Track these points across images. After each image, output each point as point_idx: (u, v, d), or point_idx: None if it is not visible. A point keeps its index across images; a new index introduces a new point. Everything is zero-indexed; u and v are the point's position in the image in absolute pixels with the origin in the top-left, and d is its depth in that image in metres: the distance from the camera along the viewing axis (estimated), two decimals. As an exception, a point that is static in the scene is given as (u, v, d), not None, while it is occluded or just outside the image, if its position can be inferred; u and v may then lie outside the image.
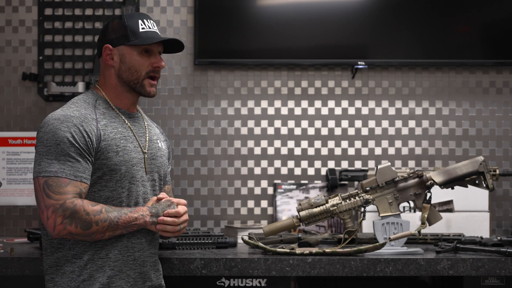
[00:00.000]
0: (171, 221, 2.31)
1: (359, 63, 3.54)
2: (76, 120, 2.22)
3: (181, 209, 2.33)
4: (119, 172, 2.27)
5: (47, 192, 2.16)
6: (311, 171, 3.62)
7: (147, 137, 2.40)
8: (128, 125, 2.35)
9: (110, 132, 2.27)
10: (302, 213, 2.88)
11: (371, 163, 3.62)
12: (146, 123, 2.45)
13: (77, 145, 2.19)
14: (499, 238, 2.93)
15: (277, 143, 3.62)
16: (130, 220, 2.24)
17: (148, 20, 2.38)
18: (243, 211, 3.60)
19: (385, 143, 3.64)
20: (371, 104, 3.64)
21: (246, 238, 2.88)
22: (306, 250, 2.77)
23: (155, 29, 2.40)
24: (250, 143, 3.62)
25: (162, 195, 2.38)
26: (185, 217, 2.35)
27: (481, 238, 2.99)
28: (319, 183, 3.60)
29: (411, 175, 2.89)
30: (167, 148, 2.54)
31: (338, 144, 3.63)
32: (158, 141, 2.46)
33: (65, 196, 2.15)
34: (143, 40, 2.34)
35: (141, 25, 2.35)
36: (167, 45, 2.44)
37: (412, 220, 3.22)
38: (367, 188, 2.87)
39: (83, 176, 2.20)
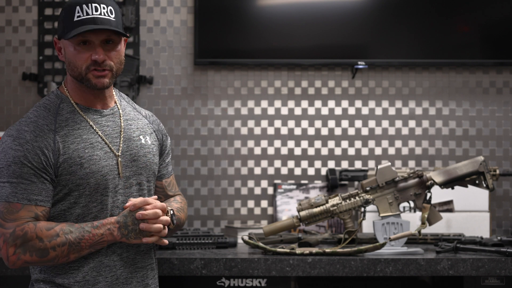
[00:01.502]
0: (152, 214, 2.03)
1: (359, 63, 3.54)
2: (29, 136, 1.98)
3: (156, 207, 2.07)
4: (88, 186, 2.02)
5: None
6: (311, 171, 3.62)
7: (123, 137, 2.13)
8: (97, 129, 2.08)
9: (72, 142, 2.03)
10: (302, 213, 2.88)
11: (371, 163, 3.62)
12: (123, 119, 2.17)
13: (29, 165, 1.96)
14: (499, 238, 2.93)
15: (277, 143, 3.62)
16: (96, 238, 2.00)
17: (90, 5, 2.04)
18: (243, 211, 3.60)
19: (385, 143, 3.64)
20: (371, 104, 3.64)
21: (246, 238, 2.88)
22: (306, 250, 2.77)
23: (98, 14, 2.04)
24: (250, 143, 3.62)
25: (129, 202, 2.08)
26: (165, 217, 2.08)
27: (481, 238, 2.99)
28: (319, 183, 3.60)
29: (411, 175, 2.89)
30: (157, 140, 2.25)
31: (338, 144, 3.63)
32: (141, 136, 2.18)
33: (15, 223, 1.93)
34: (82, 28, 2.03)
35: (78, 12, 2.04)
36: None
37: (412, 220, 3.22)
38: (367, 188, 2.87)
39: (39, 198, 1.97)
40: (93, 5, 2.04)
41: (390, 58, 3.58)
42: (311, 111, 3.63)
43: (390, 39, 3.59)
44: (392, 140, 3.64)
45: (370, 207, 2.94)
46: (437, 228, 3.22)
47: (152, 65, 3.62)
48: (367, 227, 3.29)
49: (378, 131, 3.64)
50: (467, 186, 2.92)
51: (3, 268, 2.65)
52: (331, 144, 3.63)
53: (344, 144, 3.63)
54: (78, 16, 2.04)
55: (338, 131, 3.63)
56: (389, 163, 2.91)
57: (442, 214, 3.20)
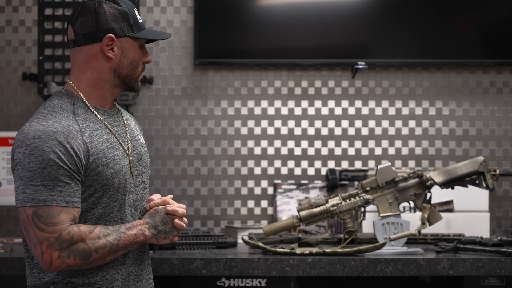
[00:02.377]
0: (181, 212, 2.11)
1: (359, 63, 3.54)
2: (60, 136, 1.94)
3: (178, 208, 2.13)
4: (112, 186, 2.03)
5: (38, 224, 1.90)
6: (311, 171, 3.62)
7: (129, 136, 2.14)
8: (110, 130, 2.08)
9: (97, 143, 2.01)
10: (302, 213, 2.88)
11: (371, 163, 3.63)
12: (124, 118, 2.18)
13: (65, 166, 1.92)
14: (499, 238, 2.93)
15: (277, 143, 3.62)
16: (130, 239, 2.02)
17: (136, 10, 2.13)
18: (243, 211, 3.60)
19: (385, 143, 3.64)
20: (371, 104, 3.64)
21: (246, 238, 2.88)
22: (306, 250, 2.77)
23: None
24: (250, 143, 3.62)
25: (154, 196, 2.18)
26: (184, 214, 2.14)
27: (481, 238, 2.99)
28: (319, 183, 3.60)
29: (411, 175, 2.89)
30: (143, 137, 2.28)
31: (338, 144, 3.63)
32: (139, 136, 2.20)
33: (59, 227, 1.91)
34: (152, 35, 2.10)
35: (137, 14, 2.11)
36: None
37: (412, 220, 3.22)
38: (367, 188, 2.87)
39: (75, 200, 1.95)
40: (136, 9, 2.13)
41: (390, 58, 3.58)
42: (311, 111, 3.63)
43: (390, 39, 3.59)
44: (392, 140, 3.64)
45: (370, 207, 2.94)
46: (437, 228, 3.22)
47: (152, 65, 3.62)
48: (367, 227, 3.29)
49: (378, 131, 3.64)
50: (467, 186, 2.92)
51: (3, 268, 2.65)
52: (331, 144, 3.63)
53: (344, 144, 3.63)
54: (139, 18, 2.10)
55: (338, 131, 3.63)
56: (389, 163, 2.91)
57: (442, 214, 3.20)
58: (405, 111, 3.65)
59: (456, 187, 2.93)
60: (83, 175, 1.98)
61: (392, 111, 3.65)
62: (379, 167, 2.88)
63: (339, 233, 3.28)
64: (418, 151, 3.65)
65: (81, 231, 1.94)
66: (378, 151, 3.64)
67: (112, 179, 2.02)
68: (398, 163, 3.63)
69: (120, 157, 2.06)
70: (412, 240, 3.08)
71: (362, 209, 2.87)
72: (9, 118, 3.60)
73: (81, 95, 2.07)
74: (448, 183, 2.89)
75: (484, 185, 2.88)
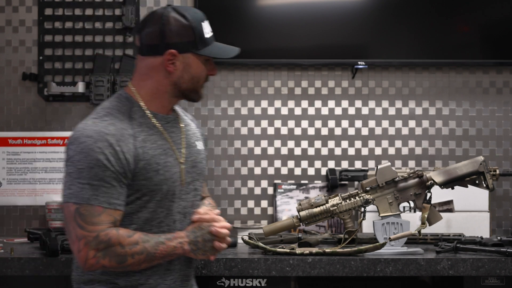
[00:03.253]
0: (224, 234, 2.08)
1: (359, 63, 3.54)
2: (112, 139, 1.96)
3: (224, 224, 2.10)
4: (160, 192, 2.04)
5: (79, 221, 1.92)
6: (311, 171, 3.62)
7: (185, 143, 2.15)
8: (166, 136, 2.09)
9: (149, 148, 2.02)
10: (302, 213, 2.88)
11: (371, 163, 3.62)
12: (182, 125, 2.20)
13: (112, 168, 1.94)
14: (499, 238, 2.93)
15: (277, 143, 3.62)
16: (168, 250, 2.01)
17: (207, 22, 2.15)
18: (243, 211, 3.60)
19: (385, 143, 3.64)
20: (371, 104, 3.64)
21: (246, 238, 2.88)
22: (306, 250, 2.77)
23: (211, 32, 2.18)
24: (250, 143, 3.62)
25: (202, 209, 2.15)
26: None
27: (481, 238, 2.99)
28: (319, 183, 3.60)
29: (411, 175, 2.89)
30: (204, 145, 2.28)
31: (338, 144, 3.63)
32: (197, 142, 2.21)
33: (98, 227, 1.93)
34: (217, 52, 2.14)
35: (205, 28, 2.12)
36: None
37: (412, 220, 3.21)
38: (367, 188, 2.87)
39: (117, 202, 1.96)
40: (208, 21, 2.13)
41: (390, 58, 3.58)
42: (311, 111, 3.63)
43: (390, 39, 3.59)
44: (392, 140, 3.64)
45: (370, 207, 2.94)
46: (437, 228, 3.22)
47: (152, 65, 3.62)
48: (367, 227, 3.29)
49: (378, 131, 3.64)
50: (467, 186, 2.92)
51: (3, 268, 2.65)
52: (331, 144, 3.63)
53: (344, 144, 3.63)
54: (206, 33, 2.11)
55: (338, 131, 3.63)
56: (389, 163, 2.91)
57: (442, 214, 3.20)
58: (405, 111, 3.65)
59: (456, 187, 2.93)
60: (129, 178, 1.98)
61: (392, 111, 3.65)
62: (379, 167, 2.88)
63: (339, 233, 3.28)
64: (418, 151, 3.64)
65: (119, 234, 1.95)
66: (378, 151, 3.64)
67: (161, 185, 2.03)
68: (398, 163, 3.63)
69: (173, 164, 2.07)
70: (412, 240, 3.07)
71: (362, 209, 2.87)
72: (9, 118, 3.60)
73: (140, 100, 2.08)
74: (448, 183, 2.89)
75: (484, 185, 2.88)
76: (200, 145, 2.21)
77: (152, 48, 2.07)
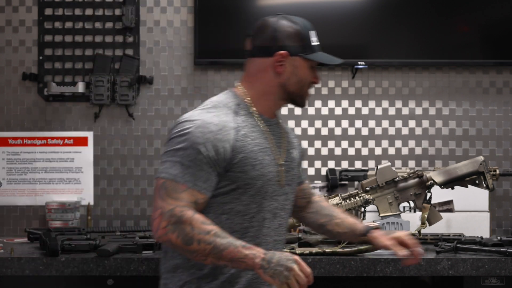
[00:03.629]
0: (305, 282, 1.97)
1: (359, 63, 3.54)
2: (213, 127, 2.04)
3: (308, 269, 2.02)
4: (254, 186, 2.08)
5: (161, 193, 2.01)
6: (311, 171, 3.62)
7: (285, 147, 2.22)
8: (267, 136, 2.15)
9: (249, 143, 2.09)
10: (302, 213, 2.87)
11: (371, 163, 3.62)
12: (283, 130, 2.26)
13: (206, 153, 2.01)
14: (499, 238, 2.93)
15: (277, 143, 3.62)
16: (238, 255, 1.97)
17: (314, 32, 2.23)
18: (243, 211, 3.60)
19: (385, 143, 3.64)
20: (371, 104, 3.64)
21: (246, 238, 2.87)
22: (306, 250, 2.77)
23: (318, 41, 2.25)
24: (250, 143, 3.62)
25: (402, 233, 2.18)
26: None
27: (481, 238, 2.99)
28: (319, 183, 3.60)
29: (411, 175, 2.89)
30: (299, 152, 2.33)
31: (338, 144, 3.63)
32: (292, 150, 2.26)
33: (177, 203, 1.99)
34: (323, 59, 2.21)
35: (312, 37, 2.21)
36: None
37: (412, 220, 3.21)
38: (367, 188, 2.87)
39: (204, 186, 2.02)
40: (314, 32, 2.22)
41: (390, 58, 3.58)
42: (311, 111, 3.63)
43: (390, 39, 3.59)
44: (392, 140, 3.64)
45: (370, 207, 2.94)
46: (437, 228, 3.22)
47: (152, 65, 3.62)
48: (367, 227, 3.29)
49: (378, 131, 3.64)
50: (467, 186, 2.92)
51: (3, 268, 2.65)
52: (331, 144, 3.63)
53: (344, 144, 3.63)
54: (313, 41, 2.20)
55: (338, 131, 3.63)
56: (389, 163, 2.91)
57: (442, 214, 3.20)
58: (405, 111, 3.65)
59: (456, 187, 2.93)
60: (222, 168, 2.05)
61: (392, 111, 3.65)
62: (379, 167, 2.88)
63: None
64: (418, 151, 3.65)
65: (194, 217, 1.99)
66: (378, 151, 3.64)
67: (256, 180, 2.08)
68: (398, 163, 3.63)
69: (269, 163, 2.12)
70: (412, 240, 3.07)
71: (362, 209, 2.88)
72: (9, 118, 3.60)
73: (247, 99, 2.17)
74: (448, 183, 2.89)
75: (484, 185, 2.88)
76: (295, 153, 2.28)
77: (264, 49, 2.18)
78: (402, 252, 2.19)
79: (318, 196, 2.47)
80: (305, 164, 3.61)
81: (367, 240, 2.28)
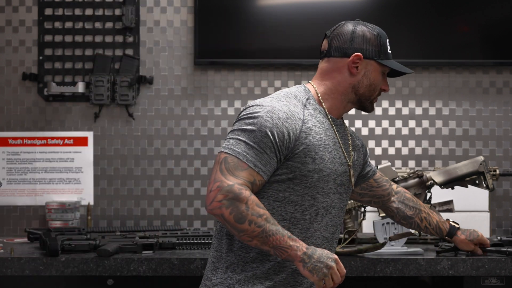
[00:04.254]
0: (338, 281, 2.07)
1: (359, 63, 3.54)
2: (282, 115, 2.10)
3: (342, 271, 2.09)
4: (310, 179, 2.12)
5: (222, 168, 2.04)
6: (311, 171, 3.62)
7: (348, 149, 2.25)
8: (335, 133, 2.22)
9: (313, 137, 2.13)
10: (302, 213, 2.87)
11: (371, 163, 3.62)
12: (348, 132, 2.29)
13: (271, 138, 2.06)
14: (499, 238, 2.92)
15: (277, 143, 3.62)
16: (282, 243, 2.03)
17: (388, 41, 2.30)
18: (243, 211, 3.60)
19: (385, 143, 3.64)
20: (371, 104, 3.64)
21: (246, 238, 2.87)
22: (306, 250, 2.76)
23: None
24: (250, 143, 3.62)
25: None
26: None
27: (481, 238, 2.99)
28: (319, 183, 3.59)
29: (411, 175, 2.88)
30: (361, 155, 2.37)
31: (338, 144, 3.63)
32: (354, 152, 2.30)
33: (236, 180, 2.03)
34: (396, 66, 2.28)
35: (388, 45, 2.28)
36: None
37: (412, 220, 3.21)
38: (367, 188, 2.87)
39: (263, 169, 2.06)
40: (388, 41, 2.29)
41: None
42: (311, 111, 3.63)
43: (390, 39, 3.56)
44: (392, 140, 3.64)
45: (370, 207, 2.94)
46: (437, 228, 3.22)
47: (152, 65, 3.62)
48: (367, 227, 3.29)
49: (378, 131, 3.64)
50: (467, 186, 2.91)
51: (3, 268, 2.65)
52: (331, 144, 3.63)
53: (344, 144, 3.63)
54: (389, 50, 2.27)
55: (338, 131, 3.63)
56: (389, 163, 2.91)
57: (442, 214, 3.20)
58: (405, 111, 3.65)
59: (456, 187, 2.93)
60: (283, 155, 2.09)
61: (392, 111, 3.65)
62: (379, 167, 2.88)
63: (339, 233, 3.28)
64: (418, 151, 3.65)
65: (251, 197, 2.03)
66: (378, 151, 3.64)
67: (313, 173, 2.12)
68: (398, 163, 3.63)
69: (328, 160, 2.16)
70: (412, 240, 3.07)
71: (362, 209, 2.87)
72: (9, 118, 3.60)
73: (318, 96, 2.22)
74: (448, 183, 2.89)
75: (484, 185, 2.88)
76: (357, 156, 2.32)
77: (341, 50, 2.22)
78: (480, 251, 2.62)
79: (397, 185, 2.53)
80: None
81: (451, 241, 2.59)
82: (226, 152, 2.06)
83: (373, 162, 3.62)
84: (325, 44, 2.28)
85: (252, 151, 2.06)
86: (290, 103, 2.15)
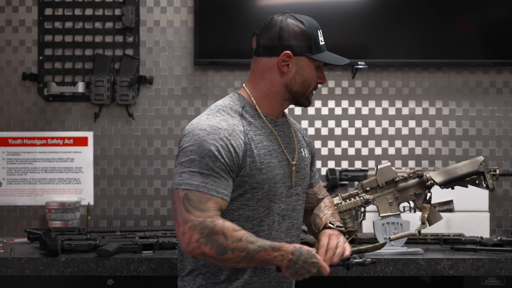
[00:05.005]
0: (326, 271, 2.10)
1: (359, 63, 3.54)
2: (224, 132, 2.04)
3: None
4: (261, 190, 2.09)
5: (187, 206, 1.99)
6: (311, 171, 3.62)
7: (294, 147, 2.21)
8: (275, 136, 2.16)
9: (255, 147, 2.09)
10: (302, 213, 2.87)
11: (371, 163, 3.62)
12: (292, 129, 2.25)
13: (222, 160, 2.01)
14: (499, 238, 2.93)
15: (277, 143, 3.62)
16: (268, 258, 2.01)
17: (320, 31, 2.21)
18: (243, 211, 3.60)
19: (385, 143, 3.64)
20: (371, 104, 3.64)
21: (246, 238, 2.87)
22: (306, 250, 2.76)
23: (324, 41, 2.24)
24: (250, 143, 3.62)
25: (334, 239, 2.17)
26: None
27: (481, 238, 2.99)
28: (319, 183, 3.59)
29: (411, 175, 2.88)
30: (310, 153, 2.33)
31: (338, 144, 3.63)
32: (302, 149, 2.25)
33: (205, 214, 1.98)
34: (329, 59, 2.18)
35: (320, 36, 2.19)
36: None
37: (412, 220, 3.21)
38: (367, 188, 2.87)
39: (225, 193, 2.02)
40: (321, 31, 2.20)
41: (390, 58, 3.58)
42: (311, 111, 3.63)
43: (390, 39, 3.59)
44: (392, 140, 3.64)
45: (370, 207, 2.94)
46: (437, 228, 3.22)
47: (152, 65, 3.62)
48: (367, 227, 3.29)
49: (378, 131, 3.64)
50: (467, 186, 2.91)
51: (3, 268, 2.65)
52: (331, 144, 3.63)
53: (344, 144, 3.63)
54: (321, 41, 2.18)
55: (338, 131, 3.63)
56: (389, 163, 2.91)
57: (442, 214, 3.20)
58: (405, 111, 3.65)
59: (456, 187, 2.93)
60: (236, 173, 2.05)
61: (392, 111, 3.65)
62: (379, 167, 2.88)
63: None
64: (418, 151, 3.65)
65: (225, 225, 1.99)
66: (378, 151, 3.64)
67: (263, 184, 2.09)
68: (398, 163, 3.63)
69: (276, 165, 2.12)
70: (412, 240, 3.07)
71: (362, 209, 2.87)
72: (9, 118, 3.60)
73: (253, 100, 2.17)
74: (448, 183, 2.89)
75: (484, 185, 2.88)
76: (304, 152, 2.27)
77: (269, 49, 2.15)
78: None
79: (328, 197, 2.46)
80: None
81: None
82: (184, 189, 2.00)
83: (373, 162, 3.62)
84: (254, 42, 2.20)
85: (209, 179, 2.00)
86: (227, 117, 2.10)
